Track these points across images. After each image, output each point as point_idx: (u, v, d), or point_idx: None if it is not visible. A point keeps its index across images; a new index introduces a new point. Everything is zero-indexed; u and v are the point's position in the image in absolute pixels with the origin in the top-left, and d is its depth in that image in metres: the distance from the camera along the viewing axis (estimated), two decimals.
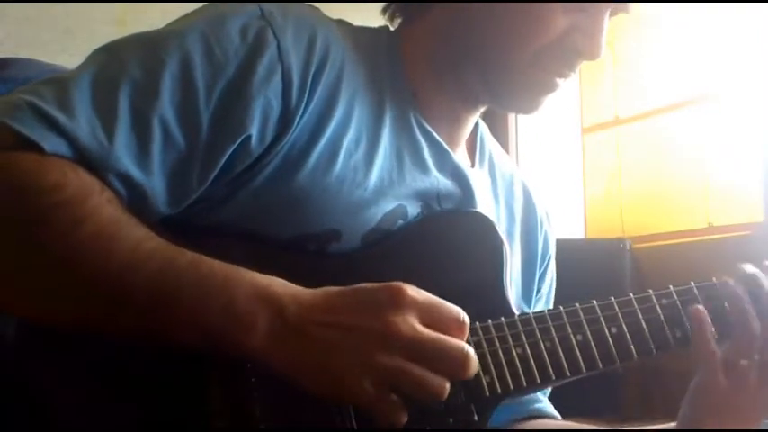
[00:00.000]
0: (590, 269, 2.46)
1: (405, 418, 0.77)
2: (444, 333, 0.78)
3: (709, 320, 0.94)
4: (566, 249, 2.68)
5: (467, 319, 0.80)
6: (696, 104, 2.68)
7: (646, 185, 2.86)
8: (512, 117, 2.97)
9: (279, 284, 0.79)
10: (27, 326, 0.82)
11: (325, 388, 0.77)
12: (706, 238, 2.56)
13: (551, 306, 1.16)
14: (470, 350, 0.78)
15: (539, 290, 1.17)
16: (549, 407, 1.15)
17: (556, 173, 3.13)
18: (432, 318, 0.78)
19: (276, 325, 0.76)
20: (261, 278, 0.79)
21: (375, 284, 0.78)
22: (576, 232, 3.07)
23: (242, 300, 0.77)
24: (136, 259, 0.77)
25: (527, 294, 1.14)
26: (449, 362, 0.77)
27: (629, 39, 2.88)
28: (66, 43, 2.41)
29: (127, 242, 0.77)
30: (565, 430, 1.11)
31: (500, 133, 3.00)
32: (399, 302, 0.77)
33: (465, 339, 0.80)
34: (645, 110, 2.87)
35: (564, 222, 3.05)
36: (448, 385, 0.77)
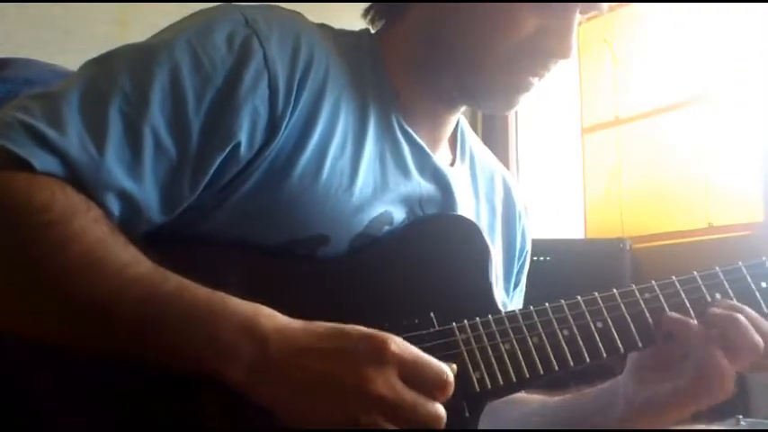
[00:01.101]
0: (590, 269, 2.46)
1: None
2: (426, 392, 0.77)
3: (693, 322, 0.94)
4: (566, 249, 2.69)
5: (451, 378, 0.79)
6: (696, 104, 2.68)
7: (646, 185, 2.86)
8: (512, 117, 2.97)
9: (264, 315, 0.78)
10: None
11: (300, 426, 0.77)
12: (706, 238, 2.56)
13: (522, 300, 1.19)
14: (443, 414, 0.77)
15: (517, 283, 1.18)
16: None
17: (556, 173, 3.13)
18: (413, 375, 0.77)
19: (258, 361, 0.76)
20: (246, 308, 0.78)
21: (361, 332, 0.77)
22: (575, 232, 3.07)
23: (225, 332, 0.76)
24: (121, 284, 0.77)
25: (506, 287, 1.15)
26: (422, 425, 0.77)
27: (629, 39, 2.88)
28: (66, 43, 2.41)
29: (112, 267, 0.77)
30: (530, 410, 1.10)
31: (500, 133, 3.01)
32: (381, 357, 0.76)
33: (448, 397, 0.78)
34: (645, 110, 2.87)
35: (564, 222, 3.06)
36: None
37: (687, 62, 2.69)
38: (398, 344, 0.77)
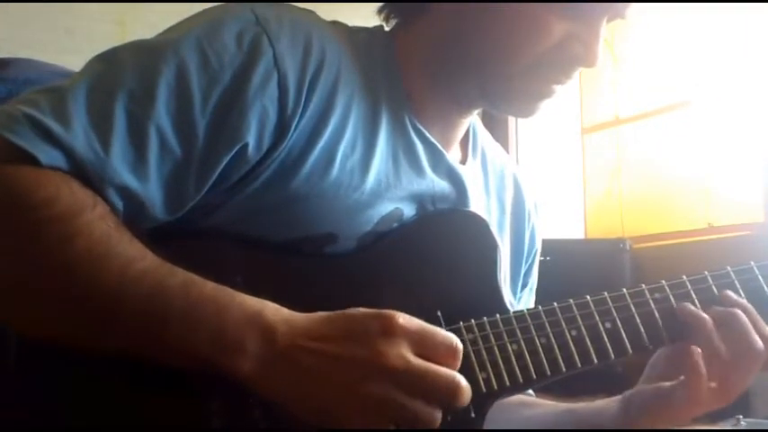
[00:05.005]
0: (590, 269, 2.47)
1: None
2: (437, 361, 0.77)
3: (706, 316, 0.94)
4: (566, 249, 2.69)
5: (460, 346, 0.79)
6: (696, 105, 2.68)
7: (646, 185, 2.86)
8: (512, 117, 2.97)
9: (270, 310, 0.78)
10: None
11: (314, 415, 0.76)
12: (706, 238, 2.56)
13: (534, 300, 1.17)
14: (462, 379, 0.77)
15: (525, 284, 1.17)
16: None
17: (556, 173, 3.13)
18: (423, 346, 0.77)
19: (266, 351, 0.76)
20: (252, 302, 0.78)
21: (366, 312, 0.78)
22: (576, 232, 3.07)
23: (231, 327, 0.76)
24: (126, 280, 0.76)
25: (513, 287, 1.14)
26: (440, 392, 0.77)
27: (629, 39, 2.88)
28: (66, 43, 2.41)
29: (117, 261, 0.77)
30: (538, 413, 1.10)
31: (500, 133, 3.01)
32: (390, 331, 0.76)
33: (458, 366, 0.79)
34: (645, 110, 2.88)
35: (564, 222, 3.06)
36: (439, 415, 0.77)
37: (687, 62, 2.69)
38: (405, 318, 0.77)
